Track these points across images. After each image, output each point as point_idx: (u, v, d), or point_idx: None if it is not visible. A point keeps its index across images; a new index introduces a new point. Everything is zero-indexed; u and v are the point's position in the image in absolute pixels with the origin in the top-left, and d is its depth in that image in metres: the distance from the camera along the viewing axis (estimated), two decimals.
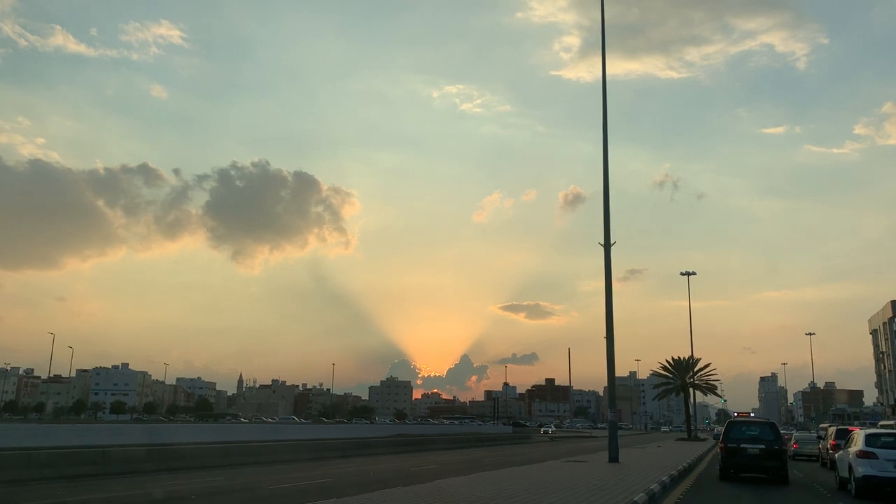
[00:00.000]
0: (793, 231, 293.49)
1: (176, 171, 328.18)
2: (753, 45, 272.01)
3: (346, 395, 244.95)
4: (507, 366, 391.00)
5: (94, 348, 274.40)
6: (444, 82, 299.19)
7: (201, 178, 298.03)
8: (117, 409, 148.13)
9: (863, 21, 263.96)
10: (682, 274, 67.50)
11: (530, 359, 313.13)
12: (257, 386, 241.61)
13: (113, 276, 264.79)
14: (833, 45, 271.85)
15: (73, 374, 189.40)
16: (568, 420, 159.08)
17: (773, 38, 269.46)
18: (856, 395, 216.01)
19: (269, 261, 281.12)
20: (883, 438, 17.40)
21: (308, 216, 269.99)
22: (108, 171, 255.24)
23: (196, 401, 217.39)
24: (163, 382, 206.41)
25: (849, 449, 18.46)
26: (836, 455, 20.80)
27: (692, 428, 67.43)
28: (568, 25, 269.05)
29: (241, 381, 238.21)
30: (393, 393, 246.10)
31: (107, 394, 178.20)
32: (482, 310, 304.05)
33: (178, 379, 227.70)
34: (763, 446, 21.18)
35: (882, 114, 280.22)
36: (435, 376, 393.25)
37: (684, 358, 62.29)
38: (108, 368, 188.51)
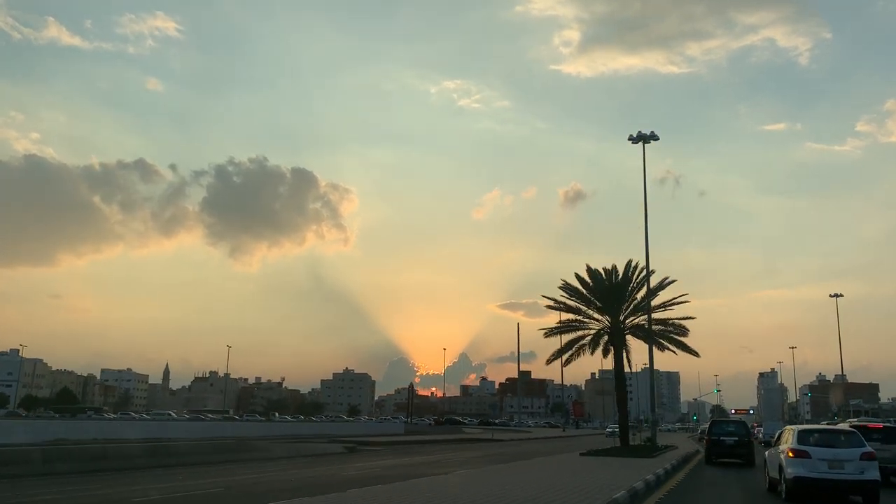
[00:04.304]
0: (793, 229, 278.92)
1: (172, 167, 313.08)
2: (755, 39, 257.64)
3: (312, 391, 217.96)
4: (506, 364, 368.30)
5: (90, 346, 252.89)
6: (442, 77, 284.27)
7: (198, 174, 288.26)
8: None
9: (866, 16, 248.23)
10: (632, 141, 34.20)
11: (528, 357, 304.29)
12: (193, 378, 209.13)
13: (109, 273, 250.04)
14: (836, 40, 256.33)
15: None
16: (515, 420, 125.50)
17: (776, 33, 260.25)
18: (870, 390, 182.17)
19: (267, 258, 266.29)
20: (816, 435, 15.17)
21: (306, 213, 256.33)
22: (103, 167, 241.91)
23: (119, 394, 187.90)
24: (71, 373, 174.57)
25: (779, 447, 15.97)
26: (766, 454, 18.12)
27: (642, 424, 32.06)
28: (567, 19, 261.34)
29: (167, 372, 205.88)
30: (348, 387, 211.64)
31: None
32: (481, 308, 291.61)
33: (102, 370, 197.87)
34: (736, 439, 26.49)
35: (884, 111, 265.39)
36: (434, 374, 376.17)
37: (617, 270, 27.67)
38: None
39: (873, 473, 13.90)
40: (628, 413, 32.24)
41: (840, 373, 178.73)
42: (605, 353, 28.45)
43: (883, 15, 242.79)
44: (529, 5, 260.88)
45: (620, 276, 27.76)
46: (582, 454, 24.75)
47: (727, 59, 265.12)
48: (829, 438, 14.90)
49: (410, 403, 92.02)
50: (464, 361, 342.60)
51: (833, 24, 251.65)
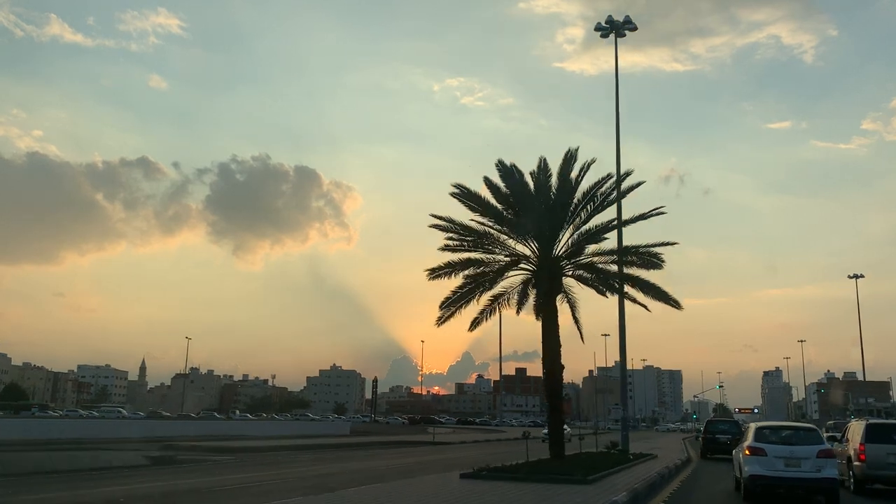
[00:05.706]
0: (798, 228, 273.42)
1: (175, 165, 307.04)
2: (760, 36, 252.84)
3: (303, 389, 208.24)
4: (508, 362, 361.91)
5: (93, 344, 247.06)
6: (445, 75, 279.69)
7: (201, 171, 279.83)
8: None
9: (871, 13, 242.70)
10: (601, 34, 23.68)
11: (532, 356, 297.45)
12: (172, 374, 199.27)
13: (112, 271, 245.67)
14: (841, 38, 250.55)
15: None
16: (497, 419, 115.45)
17: (781, 30, 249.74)
18: (881, 388, 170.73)
19: (269, 256, 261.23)
20: (776, 432, 14.56)
21: (309, 211, 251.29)
22: (106, 165, 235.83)
23: (96, 391, 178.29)
24: (41, 368, 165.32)
25: (742, 444, 15.16)
26: (733, 452, 17.53)
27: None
28: (572, 16, 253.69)
29: (143, 367, 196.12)
30: (335, 384, 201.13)
31: None
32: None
33: (79, 366, 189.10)
34: (730, 437, 28.50)
35: (890, 108, 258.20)
36: (437, 373, 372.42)
37: (549, 168, 16.75)
38: None
39: (830, 472, 13.08)
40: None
41: (850, 370, 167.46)
42: (538, 310, 17.49)
43: (888, 12, 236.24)
44: (533, 3, 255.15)
45: (555, 180, 16.72)
46: (465, 475, 13.97)
47: (732, 56, 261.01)
48: (787, 436, 14.24)
49: (374, 401, 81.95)
50: (467, 360, 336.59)
51: (838, 22, 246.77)
